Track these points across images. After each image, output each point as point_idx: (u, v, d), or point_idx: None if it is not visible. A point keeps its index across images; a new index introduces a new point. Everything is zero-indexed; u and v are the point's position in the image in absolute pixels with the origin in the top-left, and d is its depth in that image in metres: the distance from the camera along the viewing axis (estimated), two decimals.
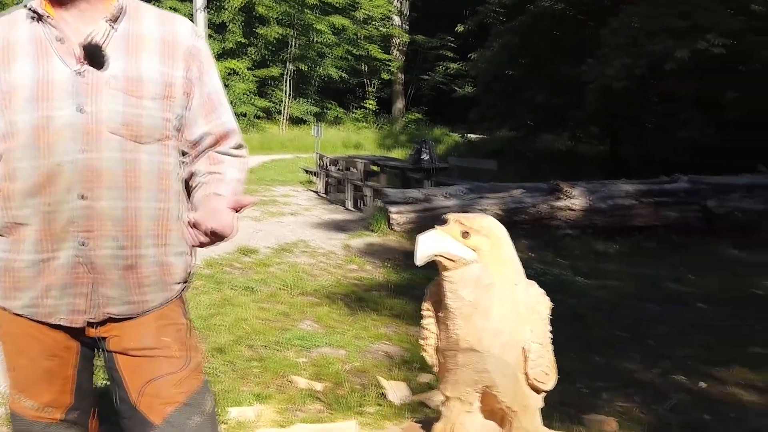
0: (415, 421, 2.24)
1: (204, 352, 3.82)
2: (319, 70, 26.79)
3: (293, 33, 25.34)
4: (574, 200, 8.00)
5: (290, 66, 25.63)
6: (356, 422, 2.99)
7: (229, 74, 22.90)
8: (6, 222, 1.47)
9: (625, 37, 10.94)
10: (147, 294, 1.55)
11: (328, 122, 25.92)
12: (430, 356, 1.79)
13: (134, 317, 1.55)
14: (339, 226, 8.66)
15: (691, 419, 3.21)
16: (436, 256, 1.63)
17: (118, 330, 1.55)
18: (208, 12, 19.78)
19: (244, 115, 22.85)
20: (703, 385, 3.63)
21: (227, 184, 1.58)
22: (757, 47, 10.07)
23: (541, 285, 1.91)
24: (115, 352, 1.56)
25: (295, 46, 25.63)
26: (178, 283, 1.61)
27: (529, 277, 1.85)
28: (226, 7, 23.56)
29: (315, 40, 26.09)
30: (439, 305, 1.74)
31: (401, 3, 29.46)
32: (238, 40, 24.09)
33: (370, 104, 29.05)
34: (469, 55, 17.90)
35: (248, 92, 23.77)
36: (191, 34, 1.60)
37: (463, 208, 7.52)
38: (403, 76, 29.76)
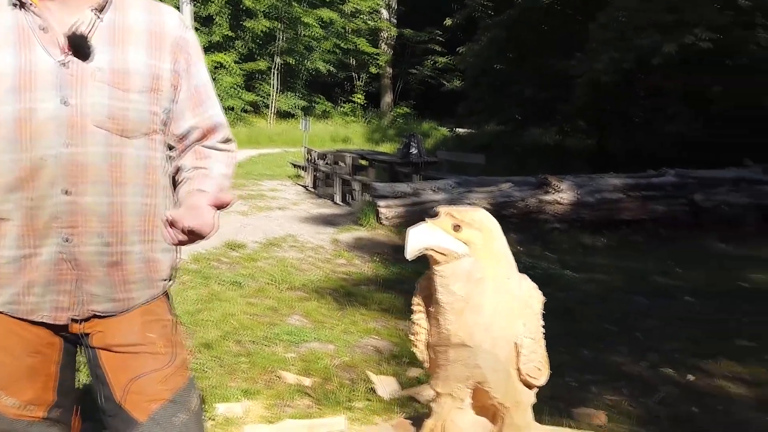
0: (406, 417, 2.23)
1: (191, 348, 3.80)
2: (307, 63, 26.67)
3: (281, 26, 25.20)
4: (562, 194, 8.02)
5: (278, 59, 25.49)
6: (345, 417, 2.97)
7: (216, 68, 22.75)
8: None
9: (613, 31, 10.97)
10: (132, 291, 1.52)
11: (316, 116, 25.83)
12: (420, 352, 1.78)
13: (119, 314, 1.52)
14: (327, 221, 8.64)
15: (680, 412, 3.22)
16: (426, 249, 1.61)
17: (102, 326, 1.52)
18: (194, 4, 19.65)
19: (232, 109, 22.72)
20: (690, 377, 3.65)
21: (212, 179, 1.55)
22: (743, 42, 10.12)
23: (530, 279, 1.90)
24: (99, 349, 1.53)
25: (282, 39, 25.49)
26: (165, 280, 1.58)
27: None
28: None
29: (303, 33, 25.96)
30: (430, 300, 1.72)
31: None
32: (225, 33, 23.91)
33: (358, 98, 28.97)
34: (457, 49, 17.87)
35: (235, 86, 23.63)
36: (179, 24, 1.56)
37: (452, 202, 7.51)
38: (391, 70, 29.71)
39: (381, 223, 7.87)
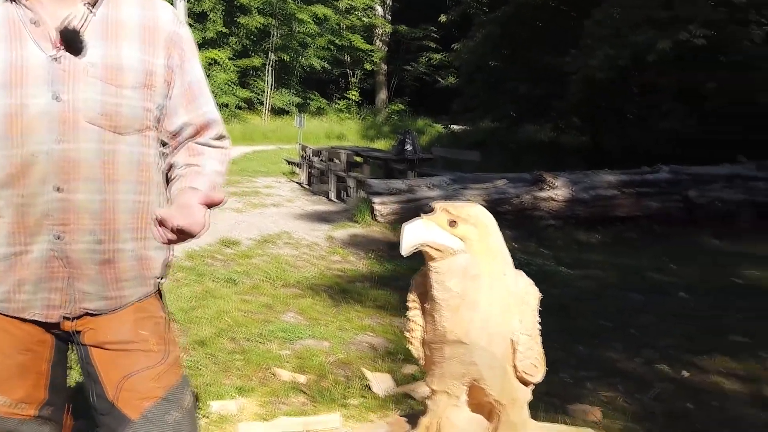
0: (401, 415, 2.22)
1: (185, 346, 3.79)
2: (302, 60, 26.62)
3: (275, 22, 25.13)
4: (557, 191, 8.02)
5: (272, 56, 25.43)
6: (340, 415, 2.97)
7: (210, 64, 22.69)
8: None
9: (608, 27, 10.97)
10: (125, 289, 1.50)
11: (310, 113, 25.80)
12: (416, 349, 1.77)
13: (111, 311, 1.50)
14: (322, 218, 8.62)
15: (674, 408, 3.23)
16: (422, 245, 1.60)
17: (94, 323, 1.50)
18: (188, 1, 19.57)
19: (226, 105, 22.67)
20: (685, 373, 3.66)
21: (205, 177, 1.53)
22: (737, 38, 10.13)
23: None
24: (91, 346, 1.51)
25: (276, 35, 25.43)
26: (157, 278, 1.57)
27: None
28: None
29: (297, 29, 25.90)
30: (425, 296, 1.71)
31: None
32: (219, 29, 23.84)
33: (353, 95, 28.95)
34: (452, 46, 17.87)
35: (229, 82, 23.58)
36: (173, 20, 1.54)
37: (447, 199, 7.51)
38: (386, 67, 29.69)
39: (376, 220, 7.87)
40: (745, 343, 4.13)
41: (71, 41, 1.38)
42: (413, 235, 1.59)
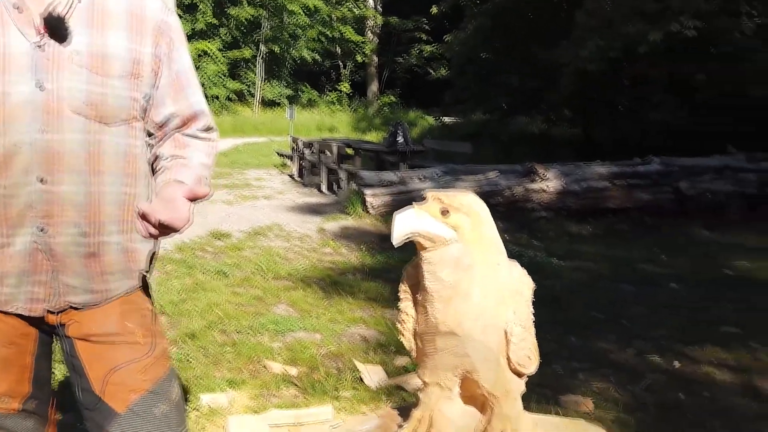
0: (393, 407, 2.21)
1: (175, 339, 3.76)
2: (292, 52, 26.51)
3: (265, 14, 25.00)
4: (549, 182, 8.02)
5: (263, 48, 25.31)
6: (332, 407, 2.95)
7: (200, 55, 22.56)
8: None
9: (599, 19, 10.96)
10: (110, 282, 1.47)
11: (301, 105, 25.73)
12: (407, 341, 1.74)
13: (97, 305, 1.48)
14: (313, 210, 8.60)
15: (666, 398, 3.23)
16: (413, 235, 1.58)
17: (79, 316, 1.47)
18: None
19: (216, 97, 22.58)
20: (677, 364, 3.66)
21: (191, 169, 1.50)
22: (728, 30, 10.14)
23: None
24: (76, 339, 1.48)
25: (267, 27, 25.30)
26: (143, 270, 1.54)
27: None
28: None
29: (288, 21, 25.78)
30: (417, 287, 1.69)
31: None
32: (209, 20, 23.70)
33: (344, 87, 28.88)
34: (443, 38, 17.82)
35: (220, 74, 23.47)
36: (161, 7, 1.51)
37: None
38: (377, 59, 29.62)
39: (367, 212, 7.85)
40: (735, 333, 4.14)
41: (56, 28, 1.35)
42: (404, 225, 1.56)
